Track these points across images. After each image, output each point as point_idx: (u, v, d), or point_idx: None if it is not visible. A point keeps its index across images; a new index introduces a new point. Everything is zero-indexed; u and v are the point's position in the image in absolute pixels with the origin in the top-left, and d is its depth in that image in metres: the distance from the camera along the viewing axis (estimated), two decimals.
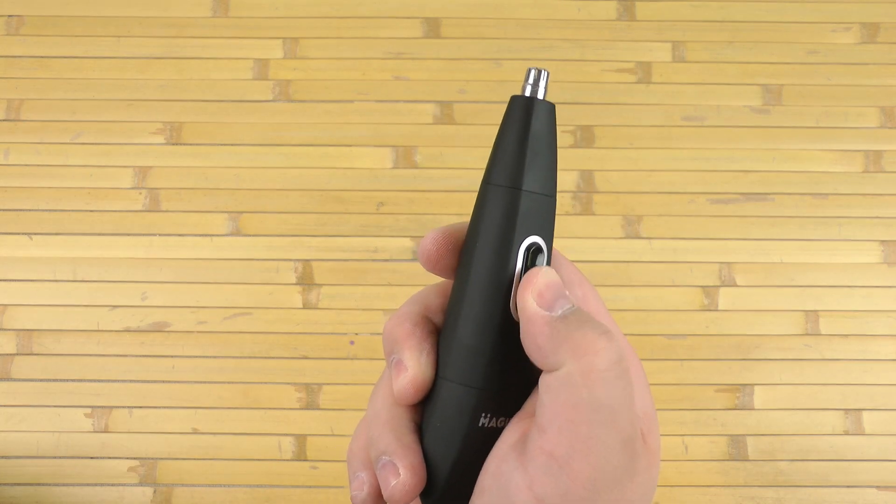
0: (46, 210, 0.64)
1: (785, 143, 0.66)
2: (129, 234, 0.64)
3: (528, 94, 0.24)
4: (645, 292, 0.63)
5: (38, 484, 0.60)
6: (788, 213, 0.65)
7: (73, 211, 0.64)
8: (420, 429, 0.22)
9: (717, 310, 0.63)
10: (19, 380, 0.61)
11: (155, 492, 0.60)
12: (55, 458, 0.60)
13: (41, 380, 0.61)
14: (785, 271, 0.64)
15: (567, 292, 0.22)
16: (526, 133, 0.23)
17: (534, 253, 0.23)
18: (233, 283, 0.63)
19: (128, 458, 0.60)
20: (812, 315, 0.63)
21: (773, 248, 0.64)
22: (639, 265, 0.64)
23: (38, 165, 0.65)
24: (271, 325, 0.62)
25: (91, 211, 0.64)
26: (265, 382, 0.61)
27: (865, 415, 0.62)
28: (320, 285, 0.63)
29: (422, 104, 0.66)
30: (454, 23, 0.68)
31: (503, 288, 0.21)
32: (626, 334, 0.62)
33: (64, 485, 0.60)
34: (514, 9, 0.68)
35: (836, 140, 0.66)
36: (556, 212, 0.65)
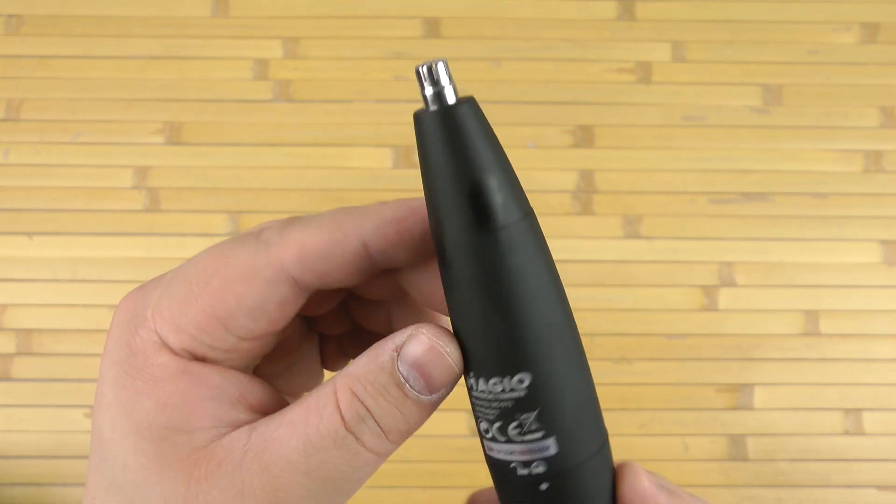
0: (46, 210, 0.64)
1: (785, 143, 0.66)
2: (129, 234, 0.64)
3: (437, 105, 0.17)
4: (645, 292, 0.63)
5: (38, 484, 0.60)
6: (788, 213, 0.65)
7: (73, 211, 0.64)
8: None
9: (717, 310, 0.63)
10: (19, 380, 0.61)
11: None
12: (55, 458, 0.60)
13: (41, 380, 0.61)
14: (785, 271, 0.64)
15: None
16: (464, 160, 0.17)
17: None
18: None
19: None
20: (812, 315, 0.63)
21: (773, 248, 0.64)
22: (639, 265, 0.64)
23: (38, 165, 0.65)
24: None
25: (91, 211, 0.64)
26: None
27: (865, 415, 0.62)
28: None
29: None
30: (454, 23, 0.68)
31: None
32: (626, 334, 0.63)
33: (64, 485, 0.60)
34: (514, 9, 0.68)
35: (836, 140, 0.66)
36: (556, 211, 0.65)
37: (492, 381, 0.17)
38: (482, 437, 0.18)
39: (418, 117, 0.18)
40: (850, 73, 0.67)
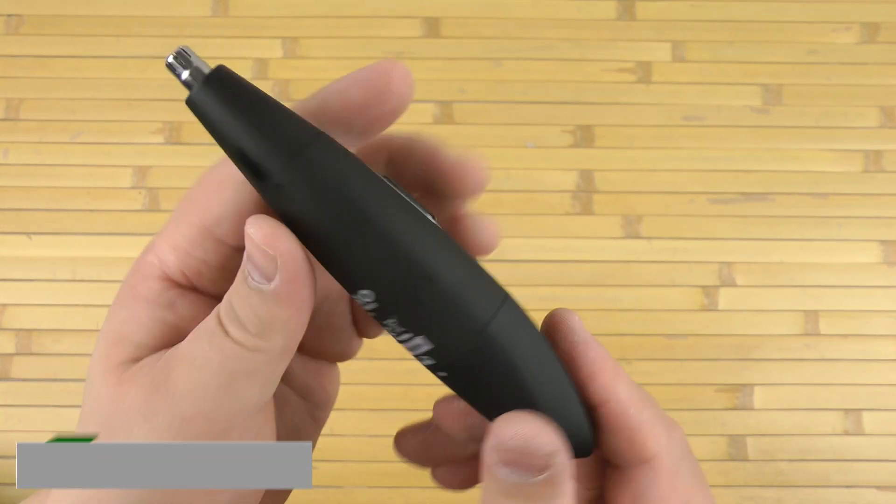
0: (46, 210, 0.64)
1: (785, 143, 0.66)
2: (128, 234, 0.64)
3: (195, 79, 0.18)
4: (645, 292, 0.63)
5: None
6: (788, 213, 0.65)
7: (72, 211, 0.64)
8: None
9: (717, 310, 0.63)
10: (19, 380, 0.61)
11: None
12: None
13: (41, 380, 0.61)
14: (785, 271, 0.64)
15: None
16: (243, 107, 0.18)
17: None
18: None
19: None
20: (812, 315, 0.63)
21: (773, 248, 0.64)
22: (639, 265, 0.64)
23: (38, 165, 0.65)
24: None
25: (91, 211, 0.64)
26: None
27: (865, 415, 0.62)
28: None
29: (422, 104, 0.66)
30: (454, 22, 0.68)
31: None
32: (626, 334, 0.63)
33: None
34: (513, 8, 0.68)
35: (836, 140, 0.66)
36: (556, 211, 0.65)
37: (352, 296, 0.19)
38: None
39: (192, 100, 0.18)
40: (850, 73, 0.67)
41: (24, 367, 0.62)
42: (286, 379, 0.24)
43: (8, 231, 0.64)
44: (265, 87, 0.66)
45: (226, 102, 0.17)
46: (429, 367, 0.19)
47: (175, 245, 0.20)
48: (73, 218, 0.64)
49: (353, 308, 0.24)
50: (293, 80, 0.66)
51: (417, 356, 0.19)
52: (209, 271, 0.20)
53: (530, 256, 0.63)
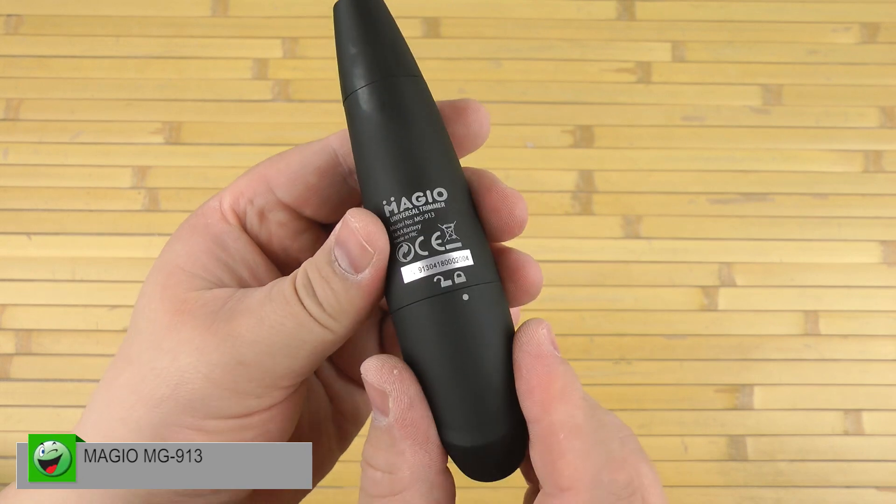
0: (45, 210, 0.64)
1: (785, 143, 0.66)
2: (128, 234, 0.64)
3: None
4: (645, 292, 0.63)
5: None
6: (788, 213, 0.65)
7: (72, 211, 0.64)
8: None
9: (717, 310, 0.63)
10: (18, 380, 0.61)
11: None
12: None
13: (40, 380, 0.61)
14: (785, 271, 0.64)
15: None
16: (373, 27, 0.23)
17: None
18: None
19: None
20: (812, 315, 0.63)
21: (772, 248, 0.64)
22: (639, 265, 0.64)
23: (38, 165, 0.65)
24: None
25: (90, 211, 0.64)
26: None
27: (865, 415, 0.62)
28: None
29: None
30: (454, 22, 0.68)
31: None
32: (626, 334, 0.63)
33: None
34: (513, 8, 0.68)
35: (836, 140, 0.66)
36: (556, 211, 0.65)
37: (415, 195, 0.20)
38: (400, 267, 0.20)
39: (337, 6, 0.22)
40: (849, 73, 0.67)
41: (24, 367, 0.62)
42: (319, 374, 0.25)
43: (8, 231, 0.64)
44: (264, 86, 0.66)
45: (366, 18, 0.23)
46: (452, 287, 0.20)
47: (234, 189, 0.22)
48: (72, 218, 0.64)
49: (382, 339, 0.25)
50: (293, 79, 0.66)
51: (448, 273, 0.20)
52: (252, 213, 0.22)
53: None
